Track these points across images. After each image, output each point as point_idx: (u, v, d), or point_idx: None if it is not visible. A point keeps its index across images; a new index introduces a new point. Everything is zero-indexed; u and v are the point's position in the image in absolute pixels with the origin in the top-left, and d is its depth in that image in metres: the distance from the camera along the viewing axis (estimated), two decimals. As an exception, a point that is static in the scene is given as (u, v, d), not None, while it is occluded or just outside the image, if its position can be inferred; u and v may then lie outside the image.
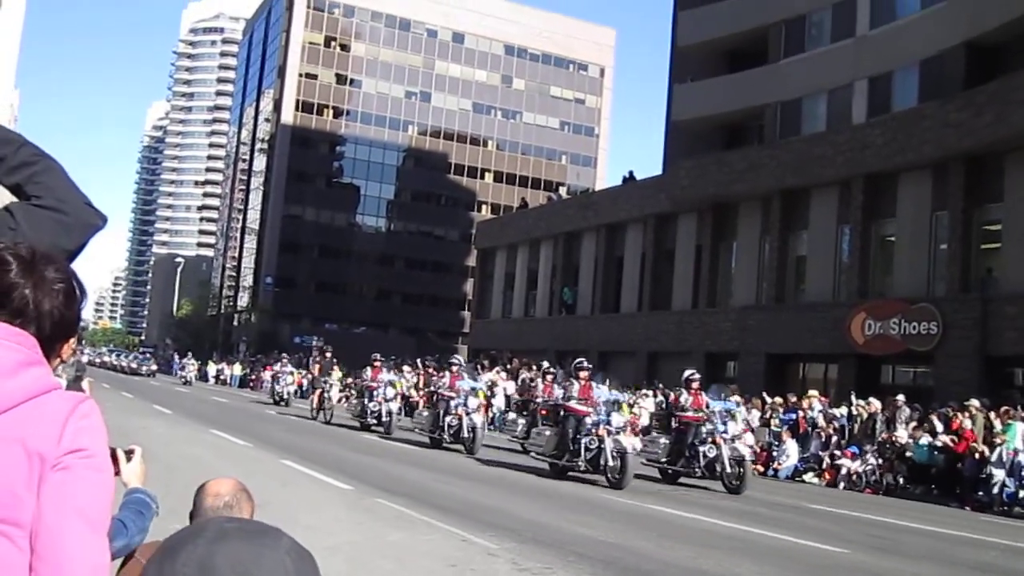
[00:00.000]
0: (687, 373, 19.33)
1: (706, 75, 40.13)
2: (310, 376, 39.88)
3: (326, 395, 29.86)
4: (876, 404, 23.40)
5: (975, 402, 21.50)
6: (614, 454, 16.41)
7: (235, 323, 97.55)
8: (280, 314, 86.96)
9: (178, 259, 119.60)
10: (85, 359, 64.37)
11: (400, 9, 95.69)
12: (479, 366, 37.90)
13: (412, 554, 9.00)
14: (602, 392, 18.80)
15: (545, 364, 29.05)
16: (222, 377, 61.87)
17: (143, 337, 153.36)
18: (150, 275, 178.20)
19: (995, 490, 19.10)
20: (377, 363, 27.83)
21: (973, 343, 26.59)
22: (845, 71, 34.05)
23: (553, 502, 13.85)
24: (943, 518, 16.48)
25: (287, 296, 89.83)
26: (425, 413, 23.51)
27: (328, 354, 36.74)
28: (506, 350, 44.16)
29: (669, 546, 10.48)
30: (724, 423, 17.75)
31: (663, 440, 18.80)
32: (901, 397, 23.87)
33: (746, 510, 14.68)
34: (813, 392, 26.76)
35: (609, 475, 16.51)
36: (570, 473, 17.44)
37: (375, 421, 26.08)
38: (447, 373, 23.94)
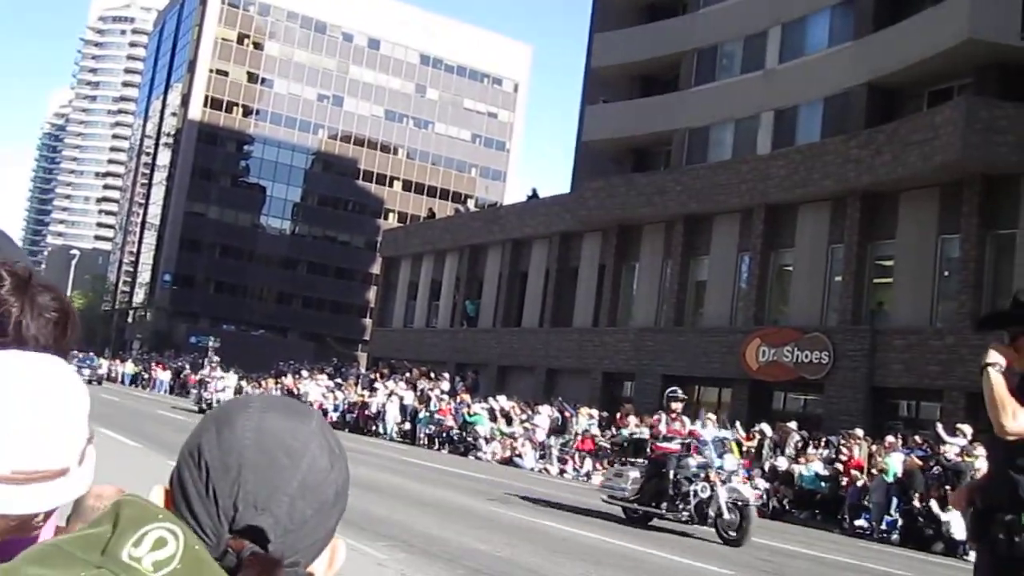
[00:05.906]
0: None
1: (618, 97, 40.57)
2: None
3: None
4: (767, 429, 23.97)
5: (859, 431, 22.25)
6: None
7: (129, 320, 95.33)
8: (177, 312, 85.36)
9: (74, 251, 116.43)
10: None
11: (316, 11, 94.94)
12: (379, 375, 37.58)
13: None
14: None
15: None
16: (112, 375, 60.37)
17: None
18: (43, 266, 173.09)
19: (876, 518, 19.81)
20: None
21: (862, 374, 27.36)
22: (752, 102, 34.76)
23: (447, 514, 13.81)
24: (826, 544, 16.87)
25: (185, 295, 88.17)
26: (634, 474, 15.61)
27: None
28: (405, 360, 43.98)
29: (559, 562, 10.54)
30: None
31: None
32: (793, 424, 24.54)
33: (632, 530, 14.81)
34: (711, 416, 27.15)
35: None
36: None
37: None
38: (662, 414, 16.56)
